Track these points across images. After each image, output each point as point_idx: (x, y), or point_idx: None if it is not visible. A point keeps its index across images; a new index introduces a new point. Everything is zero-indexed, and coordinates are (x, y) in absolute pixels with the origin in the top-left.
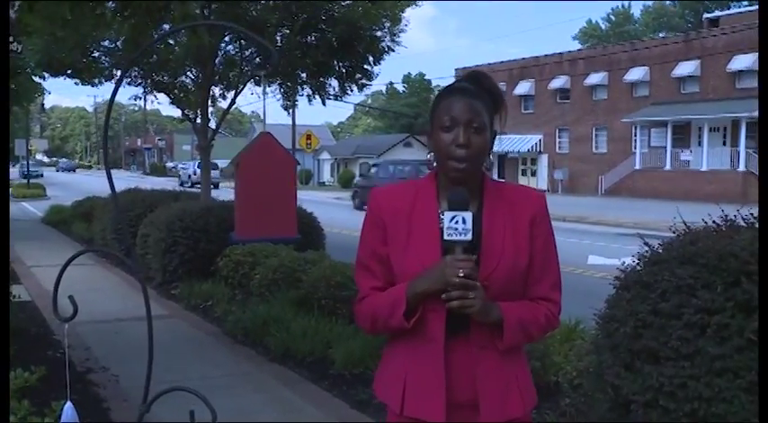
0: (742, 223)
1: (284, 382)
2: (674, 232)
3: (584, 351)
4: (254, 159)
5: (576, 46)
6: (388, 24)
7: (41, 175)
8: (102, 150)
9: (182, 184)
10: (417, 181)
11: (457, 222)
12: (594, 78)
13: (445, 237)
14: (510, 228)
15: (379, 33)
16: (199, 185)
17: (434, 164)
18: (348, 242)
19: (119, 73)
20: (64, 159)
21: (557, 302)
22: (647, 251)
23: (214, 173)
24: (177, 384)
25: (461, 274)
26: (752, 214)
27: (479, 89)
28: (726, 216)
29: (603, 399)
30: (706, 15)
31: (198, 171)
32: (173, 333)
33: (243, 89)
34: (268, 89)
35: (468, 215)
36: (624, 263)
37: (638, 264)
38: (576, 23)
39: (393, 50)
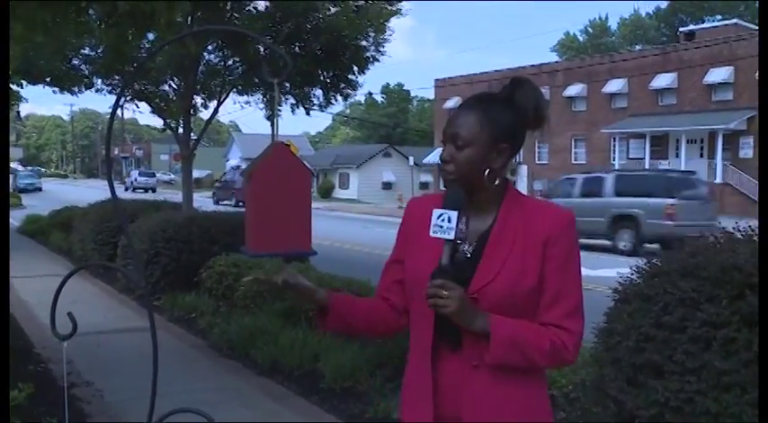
0: (739, 236)
1: (272, 397)
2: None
3: (580, 364)
4: (268, 170)
5: (554, 58)
6: (372, 34)
7: (40, 189)
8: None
9: (126, 190)
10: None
11: (443, 220)
12: (573, 90)
13: (431, 233)
14: (520, 244)
15: (363, 43)
16: (140, 191)
17: None
18: (333, 253)
19: (99, 81)
20: (27, 170)
21: (572, 332)
22: (646, 263)
23: (151, 180)
24: (162, 398)
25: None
26: (750, 226)
27: (505, 99)
28: (723, 228)
29: (604, 413)
30: (681, 29)
31: (138, 178)
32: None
33: (225, 99)
34: (250, 98)
35: (454, 214)
36: (619, 274)
37: (636, 276)
38: (554, 35)
39: (378, 60)
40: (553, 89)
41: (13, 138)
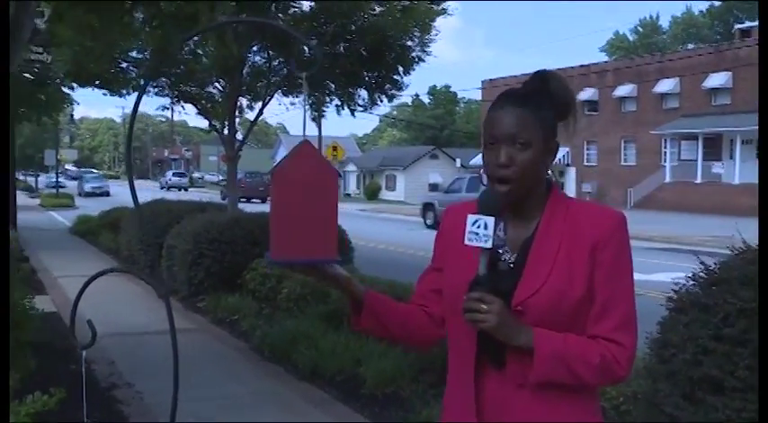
0: None
1: (313, 403)
2: (731, 250)
3: (632, 375)
4: (292, 170)
5: (603, 58)
6: (418, 34)
7: (107, 193)
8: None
9: (161, 188)
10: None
11: (479, 226)
12: (623, 90)
13: (465, 241)
14: (565, 250)
15: (409, 43)
16: (174, 189)
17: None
18: (377, 256)
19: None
20: (93, 172)
21: (625, 346)
22: (702, 270)
23: (183, 179)
24: (201, 402)
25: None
26: None
27: (541, 94)
28: None
29: None
30: (737, 26)
31: (172, 178)
32: (198, 348)
33: (270, 100)
34: (295, 100)
35: (491, 220)
36: (676, 281)
37: (693, 284)
38: (603, 35)
39: (423, 61)
40: (602, 90)
41: (66, 140)
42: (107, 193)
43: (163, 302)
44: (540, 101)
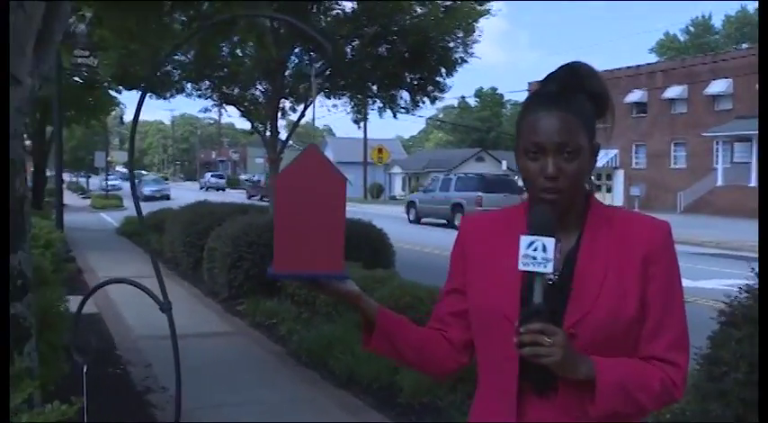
0: None
1: (348, 410)
2: None
3: None
4: (296, 176)
5: (652, 59)
6: (461, 35)
7: (119, 189)
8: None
9: (201, 188)
10: (510, 208)
11: (536, 249)
12: (673, 91)
13: (520, 266)
14: (614, 266)
15: (451, 44)
16: (212, 189)
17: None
18: (419, 259)
19: (189, 86)
20: (151, 175)
21: (680, 367)
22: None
23: (221, 181)
24: (238, 407)
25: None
26: None
27: (577, 90)
28: None
29: None
30: None
31: (210, 179)
32: (236, 352)
33: (313, 102)
34: (338, 102)
35: (551, 242)
36: (727, 290)
37: (746, 296)
38: (653, 36)
39: (466, 61)
40: (651, 91)
41: (116, 142)
42: (167, 197)
43: (206, 304)
44: (579, 100)
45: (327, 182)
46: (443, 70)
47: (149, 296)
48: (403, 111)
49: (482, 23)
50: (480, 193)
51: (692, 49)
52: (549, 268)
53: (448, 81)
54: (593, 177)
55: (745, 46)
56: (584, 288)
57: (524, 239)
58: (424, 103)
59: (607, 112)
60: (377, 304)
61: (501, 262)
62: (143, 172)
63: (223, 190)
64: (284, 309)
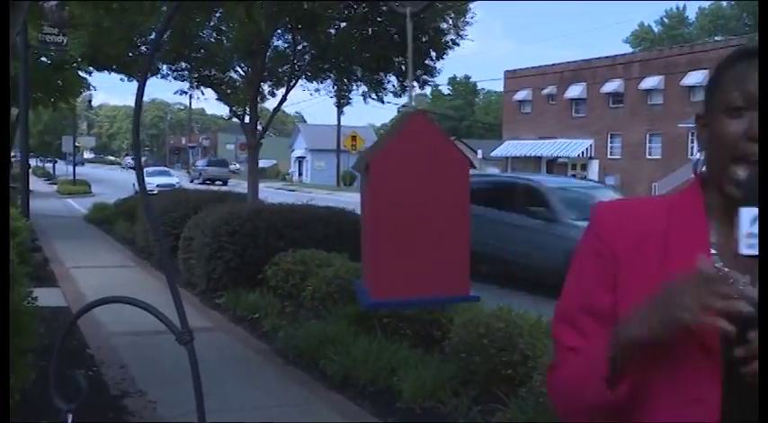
0: None
1: (344, 415)
2: None
3: None
4: (398, 158)
5: (626, 49)
6: (452, 16)
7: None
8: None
9: (191, 182)
10: (671, 196)
11: (755, 225)
12: (650, 82)
13: (743, 250)
14: None
15: (443, 26)
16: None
17: (703, 167)
18: None
19: (165, 67)
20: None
21: None
22: None
23: (224, 170)
24: (223, 413)
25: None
26: None
27: None
28: None
29: None
30: None
31: (209, 168)
32: (217, 349)
33: (294, 86)
34: (320, 86)
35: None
36: None
37: None
38: (628, 26)
39: (458, 44)
40: (628, 82)
41: (84, 127)
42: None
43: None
44: None
45: (445, 167)
46: (433, 53)
47: (165, 325)
48: (391, 95)
49: (475, 4)
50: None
51: (667, 40)
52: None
53: (438, 64)
54: (568, 165)
55: (718, 38)
56: None
57: (745, 213)
58: (413, 87)
59: None
60: None
61: (683, 270)
62: (110, 157)
63: (225, 183)
64: (267, 302)
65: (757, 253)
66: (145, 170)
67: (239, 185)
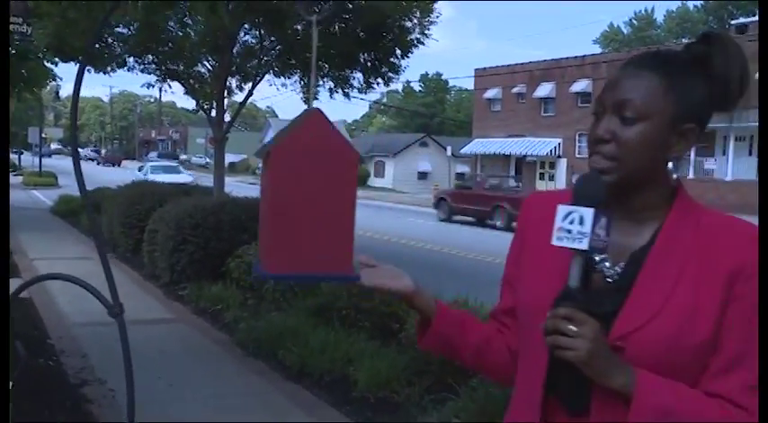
0: None
1: (300, 406)
2: None
3: None
4: (295, 149)
5: (596, 50)
6: (417, 15)
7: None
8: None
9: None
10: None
11: (572, 221)
12: None
13: (554, 240)
14: (692, 274)
15: (408, 24)
16: (158, 173)
17: None
18: (371, 245)
19: (132, 60)
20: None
21: (751, 413)
22: None
23: (174, 163)
24: (184, 402)
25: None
26: None
27: (696, 61)
28: None
29: None
30: (732, 22)
31: (158, 163)
32: (178, 340)
33: (261, 80)
34: (287, 81)
35: (589, 213)
36: None
37: None
38: (598, 27)
39: (422, 43)
40: (597, 82)
41: (51, 118)
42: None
43: (146, 288)
44: (684, 68)
45: (336, 156)
46: (398, 51)
47: (96, 298)
48: (356, 91)
49: (440, 5)
50: None
51: (635, 41)
52: (584, 244)
53: (403, 62)
54: (537, 164)
55: (685, 40)
56: (646, 295)
57: (561, 209)
58: (378, 84)
59: (739, 89)
60: (434, 300)
61: (551, 246)
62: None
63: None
64: (229, 294)
65: (564, 246)
66: (148, 165)
67: (205, 179)
